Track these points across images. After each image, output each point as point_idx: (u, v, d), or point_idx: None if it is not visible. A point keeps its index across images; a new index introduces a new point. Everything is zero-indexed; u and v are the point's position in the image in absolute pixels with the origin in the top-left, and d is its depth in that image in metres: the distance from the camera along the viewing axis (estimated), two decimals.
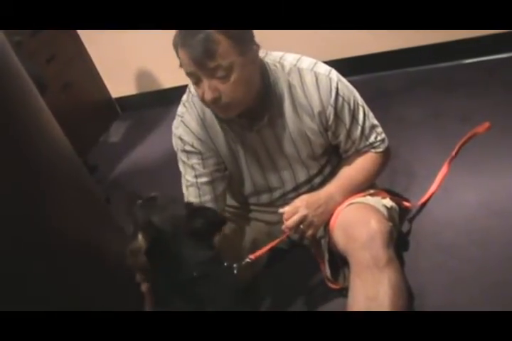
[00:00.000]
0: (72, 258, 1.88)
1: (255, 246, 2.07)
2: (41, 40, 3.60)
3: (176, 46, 1.71)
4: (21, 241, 1.78)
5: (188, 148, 1.99)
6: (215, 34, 1.62)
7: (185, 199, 2.04)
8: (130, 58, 4.04)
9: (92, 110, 4.17)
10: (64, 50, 3.90)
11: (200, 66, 1.66)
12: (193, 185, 2.02)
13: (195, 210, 1.68)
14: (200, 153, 1.99)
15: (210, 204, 1.99)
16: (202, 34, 1.62)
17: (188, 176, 2.03)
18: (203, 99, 1.75)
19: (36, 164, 1.83)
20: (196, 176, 2.01)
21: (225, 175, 2.07)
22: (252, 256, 1.80)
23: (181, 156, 2.03)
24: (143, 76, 4.16)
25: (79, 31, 4.03)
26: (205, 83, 1.69)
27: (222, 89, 1.70)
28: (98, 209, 2.18)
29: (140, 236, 1.53)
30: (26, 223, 1.80)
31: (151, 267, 1.55)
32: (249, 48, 1.72)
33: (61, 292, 1.85)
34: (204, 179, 2.01)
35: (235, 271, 1.73)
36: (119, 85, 4.29)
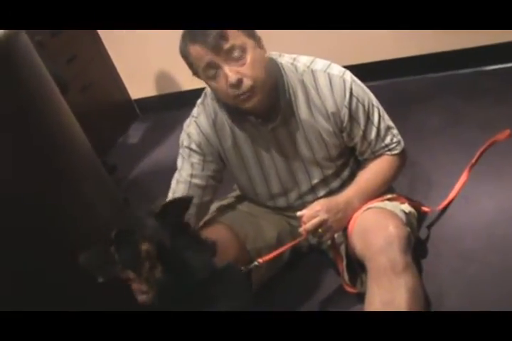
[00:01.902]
0: None
1: (280, 242, 2.08)
2: (62, 41, 3.63)
3: (184, 51, 1.76)
4: (41, 241, 1.80)
5: (193, 146, 2.00)
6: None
7: (170, 194, 2.04)
8: (150, 60, 4.06)
9: (112, 111, 4.19)
10: (85, 51, 3.92)
11: (216, 50, 1.69)
12: (185, 183, 2.02)
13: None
14: (203, 154, 2.00)
15: (193, 208, 1.92)
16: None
17: (183, 172, 2.03)
18: (224, 92, 1.76)
19: (56, 161, 1.85)
20: (191, 175, 2.01)
21: (216, 187, 2.09)
22: (260, 260, 1.80)
23: (183, 152, 2.04)
24: (163, 78, 4.17)
25: (100, 32, 4.05)
26: (226, 68, 1.71)
27: (243, 71, 1.72)
28: (116, 208, 2.19)
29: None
30: (45, 219, 1.81)
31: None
32: (255, 33, 1.78)
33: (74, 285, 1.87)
34: (198, 181, 2.02)
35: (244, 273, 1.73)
36: (139, 86, 4.31)
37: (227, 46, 1.69)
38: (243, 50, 1.71)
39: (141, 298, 1.56)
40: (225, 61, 1.71)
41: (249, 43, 1.74)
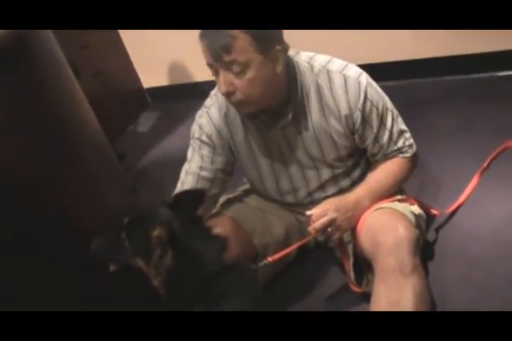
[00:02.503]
0: None
1: (287, 237, 2.09)
2: None
3: (199, 39, 1.73)
4: (51, 228, 1.81)
5: (204, 138, 2.00)
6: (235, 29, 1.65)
7: (179, 185, 2.04)
8: (164, 49, 4.06)
9: (123, 99, 4.19)
10: (98, 38, 3.91)
11: (216, 59, 1.68)
12: (194, 175, 2.02)
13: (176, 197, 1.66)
14: (214, 147, 2.00)
15: None
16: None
17: (192, 164, 2.03)
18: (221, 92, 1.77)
19: (68, 146, 1.86)
20: (201, 168, 2.01)
21: (225, 181, 2.08)
22: (270, 259, 1.81)
23: (194, 143, 2.04)
24: (176, 68, 4.17)
25: None
26: (221, 76, 1.70)
27: (237, 85, 1.71)
28: (127, 196, 2.19)
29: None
30: (55, 205, 1.82)
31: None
32: (271, 47, 1.72)
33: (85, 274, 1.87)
34: (206, 174, 2.01)
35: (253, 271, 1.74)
36: (151, 76, 4.31)
37: (227, 59, 1.66)
38: (246, 65, 1.68)
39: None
40: (223, 69, 1.70)
41: (257, 59, 1.69)
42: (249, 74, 1.69)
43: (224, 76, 1.70)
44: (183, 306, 1.54)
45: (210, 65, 1.72)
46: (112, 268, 1.64)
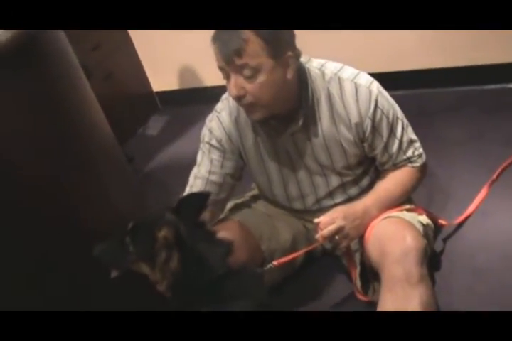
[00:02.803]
0: None
1: (294, 244, 2.09)
2: None
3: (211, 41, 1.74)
4: (58, 227, 1.82)
5: (214, 142, 2.00)
6: (248, 33, 1.64)
7: (188, 188, 2.04)
8: (175, 53, 4.05)
9: (132, 101, 4.18)
10: (109, 40, 3.89)
11: (228, 62, 1.68)
12: (203, 179, 2.02)
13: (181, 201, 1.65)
14: (223, 151, 2.00)
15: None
16: (234, 31, 1.64)
17: (202, 168, 2.03)
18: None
19: (77, 146, 1.87)
20: (210, 172, 2.01)
21: (234, 186, 2.08)
22: (275, 262, 1.81)
23: (203, 147, 2.04)
24: (186, 72, 4.17)
25: None
26: (232, 79, 1.70)
27: (248, 88, 1.71)
28: (133, 198, 2.20)
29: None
30: (61, 206, 1.82)
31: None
32: (283, 52, 1.72)
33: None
34: (215, 178, 2.01)
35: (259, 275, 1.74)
36: (161, 79, 4.31)
37: (239, 63, 1.66)
38: (257, 70, 1.68)
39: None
40: (234, 73, 1.70)
41: (268, 64, 1.69)
42: (260, 78, 1.69)
43: (235, 79, 1.70)
44: (189, 309, 1.53)
45: (221, 68, 1.73)
46: (114, 274, 1.63)
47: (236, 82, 1.70)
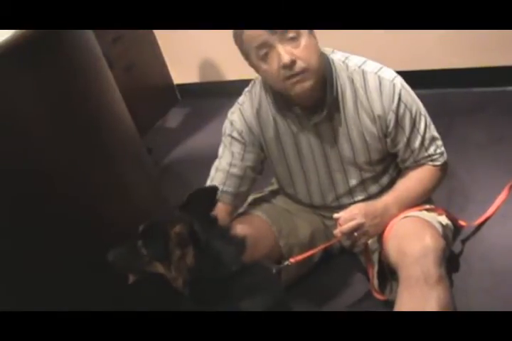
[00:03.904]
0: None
1: (313, 241, 2.09)
2: None
3: (237, 35, 1.74)
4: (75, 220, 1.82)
5: (235, 134, 2.00)
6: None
7: (209, 181, 2.04)
8: (196, 46, 4.05)
9: (152, 93, 4.19)
10: (131, 31, 3.88)
11: (272, 31, 1.68)
12: (223, 171, 2.02)
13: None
14: (244, 143, 2.00)
15: (229, 197, 2.00)
16: None
17: (223, 160, 2.03)
18: (275, 73, 1.74)
19: (98, 137, 1.88)
20: (231, 164, 2.01)
21: (255, 178, 2.08)
22: (292, 260, 1.81)
23: (225, 140, 2.04)
24: (207, 65, 4.17)
25: None
26: (280, 48, 1.70)
27: (297, 53, 1.71)
28: (154, 189, 2.20)
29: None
30: (79, 197, 1.83)
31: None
32: None
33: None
34: (236, 170, 2.01)
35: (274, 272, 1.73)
36: (182, 72, 4.32)
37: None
38: (298, 33, 1.70)
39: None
40: (279, 41, 1.69)
41: (304, 31, 1.72)
42: (303, 41, 1.71)
43: (282, 47, 1.70)
44: (205, 306, 1.53)
45: (263, 44, 1.71)
46: (131, 279, 1.64)
47: (285, 49, 1.70)
